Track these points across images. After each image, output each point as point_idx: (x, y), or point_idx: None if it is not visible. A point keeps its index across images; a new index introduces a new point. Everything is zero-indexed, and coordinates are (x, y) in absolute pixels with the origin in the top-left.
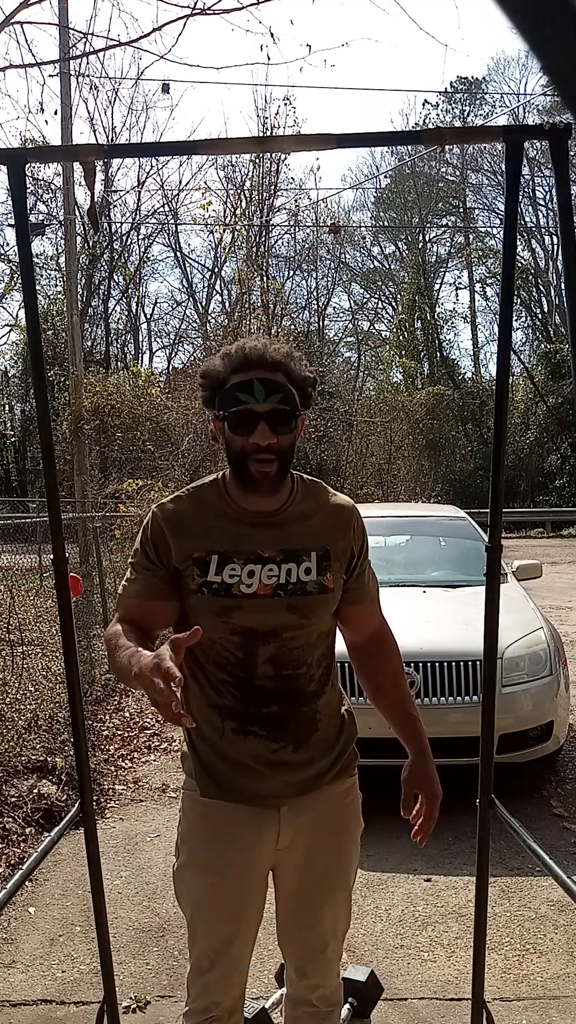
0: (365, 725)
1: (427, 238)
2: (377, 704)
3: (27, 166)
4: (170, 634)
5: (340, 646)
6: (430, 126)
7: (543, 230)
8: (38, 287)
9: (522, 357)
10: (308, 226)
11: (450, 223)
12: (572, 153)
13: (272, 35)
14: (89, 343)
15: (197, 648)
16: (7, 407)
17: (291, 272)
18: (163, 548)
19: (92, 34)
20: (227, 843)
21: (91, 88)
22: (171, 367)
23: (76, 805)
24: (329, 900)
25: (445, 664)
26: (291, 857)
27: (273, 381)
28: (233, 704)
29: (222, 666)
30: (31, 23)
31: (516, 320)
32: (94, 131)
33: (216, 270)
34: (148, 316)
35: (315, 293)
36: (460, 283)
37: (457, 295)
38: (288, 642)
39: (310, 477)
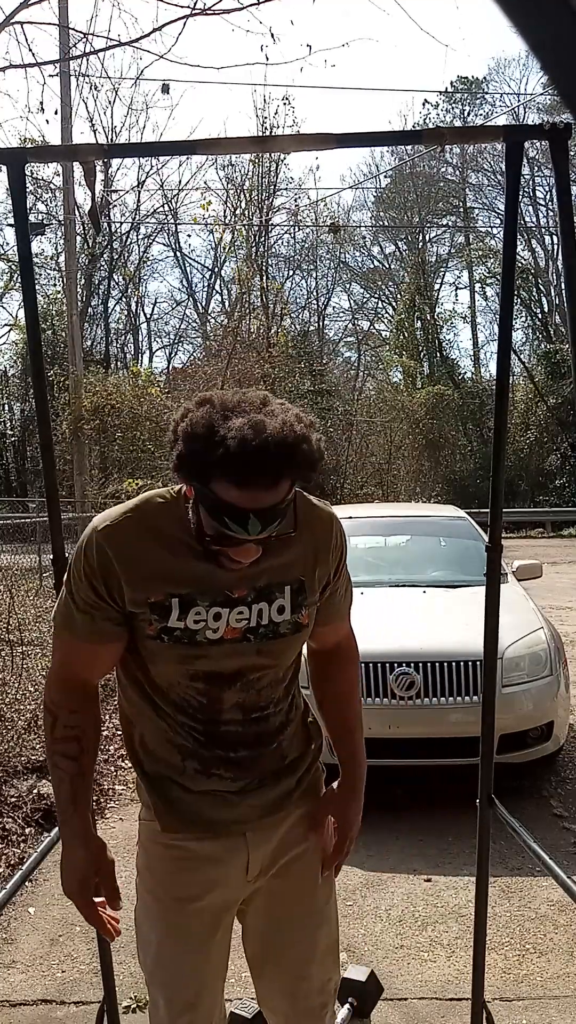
0: (365, 725)
1: (427, 238)
2: (324, 715)
3: (27, 166)
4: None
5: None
6: (430, 126)
7: (543, 230)
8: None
9: (522, 357)
10: (308, 226)
11: (450, 223)
12: (572, 153)
13: (272, 35)
14: (89, 343)
15: (152, 688)
16: (7, 407)
17: (291, 272)
18: (115, 584)
19: (92, 34)
20: (196, 884)
21: (91, 88)
22: (171, 367)
23: None
24: (316, 951)
25: (445, 664)
26: (256, 905)
27: (272, 511)
28: (195, 747)
29: (182, 709)
30: (31, 23)
31: (516, 320)
32: (94, 131)
33: (216, 270)
34: (148, 316)
35: (315, 293)
36: (460, 283)
37: (457, 295)
38: (255, 683)
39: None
